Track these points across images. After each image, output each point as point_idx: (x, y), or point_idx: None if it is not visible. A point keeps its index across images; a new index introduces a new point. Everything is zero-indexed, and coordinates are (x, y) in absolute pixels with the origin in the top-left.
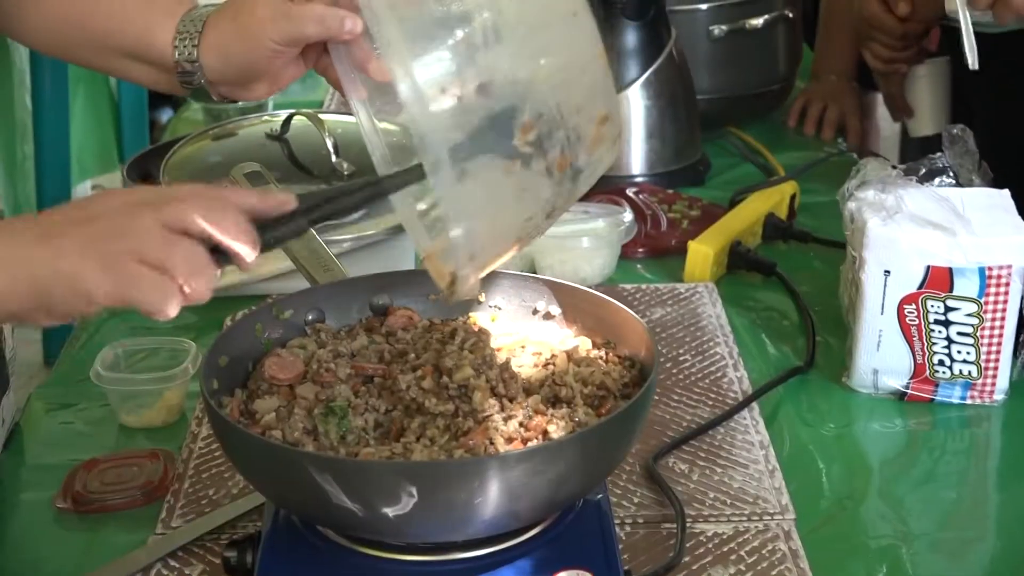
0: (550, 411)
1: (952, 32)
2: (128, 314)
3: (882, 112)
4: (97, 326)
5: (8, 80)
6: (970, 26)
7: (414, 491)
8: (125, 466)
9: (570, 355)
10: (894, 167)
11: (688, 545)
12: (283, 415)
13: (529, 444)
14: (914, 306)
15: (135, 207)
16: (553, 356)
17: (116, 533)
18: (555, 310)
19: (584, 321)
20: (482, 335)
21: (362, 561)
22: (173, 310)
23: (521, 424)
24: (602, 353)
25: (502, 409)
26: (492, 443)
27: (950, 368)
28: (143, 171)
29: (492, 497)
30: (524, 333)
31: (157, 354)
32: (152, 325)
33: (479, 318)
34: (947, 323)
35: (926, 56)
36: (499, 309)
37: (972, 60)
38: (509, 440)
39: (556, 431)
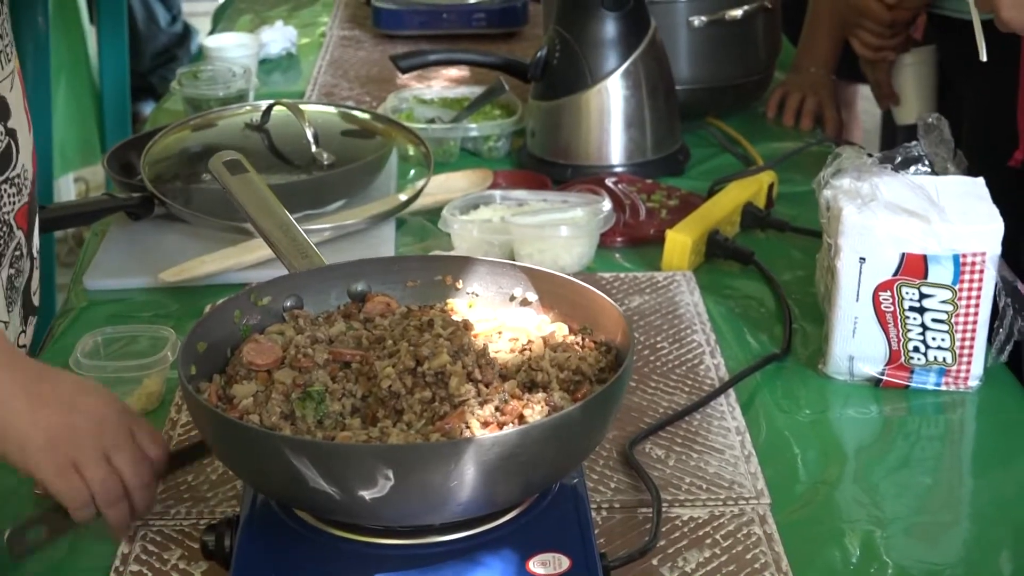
0: (526, 396)
1: (939, 20)
2: (107, 302)
3: (864, 105)
4: (76, 315)
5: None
6: (979, 18)
7: (390, 474)
8: None
9: (546, 341)
10: (869, 155)
11: (664, 529)
12: (261, 400)
13: (505, 428)
14: (889, 293)
15: (107, 432)
16: (530, 342)
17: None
18: (532, 296)
19: (560, 307)
20: (463, 325)
21: (339, 544)
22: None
23: (497, 408)
24: (578, 339)
25: (478, 394)
26: (468, 427)
27: (925, 355)
28: (123, 161)
29: (468, 480)
30: (501, 319)
31: (137, 342)
32: (131, 314)
33: (456, 304)
34: (922, 310)
35: (913, 45)
36: (476, 296)
37: (982, 51)
38: (485, 424)
39: (532, 415)
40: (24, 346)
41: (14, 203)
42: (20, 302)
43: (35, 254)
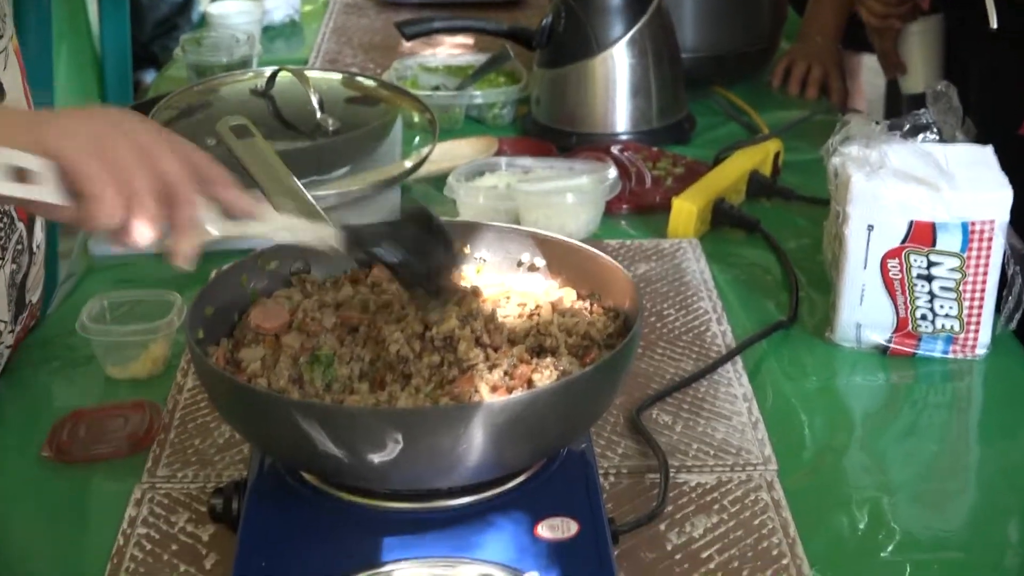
0: (535, 361)
1: None
2: (112, 267)
3: (867, 76)
4: (82, 279)
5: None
6: None
7: (399, 437)
8: (111, 417)
9: (555, 306)
10: (877, 123)
11: (671, 495)
12: (268, 364)
13: (514, 392)
14: (897, 261)
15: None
16: (538, 307)
17: (102, 482)
18: (540, 262)
19: (568, 273)
20: (472, 291)
21: (347, 508)
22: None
23: (506, 373)
24: (587, 304)
25: (487, 359)
26: (477, 391)
27: (933, 322)
28: None
29: (477, 444)
30: (509, 284)
31: (142, 306)
32: (137, 278)
33: (465, 270)
34: (930, 278)
35: (920, 14)
36: (484, 261)
37: (992, 19)
38: (494, 388)
39: (541, 380)
40: (10, 347)
41: None
42: (16, 298)
43: (35, 248)
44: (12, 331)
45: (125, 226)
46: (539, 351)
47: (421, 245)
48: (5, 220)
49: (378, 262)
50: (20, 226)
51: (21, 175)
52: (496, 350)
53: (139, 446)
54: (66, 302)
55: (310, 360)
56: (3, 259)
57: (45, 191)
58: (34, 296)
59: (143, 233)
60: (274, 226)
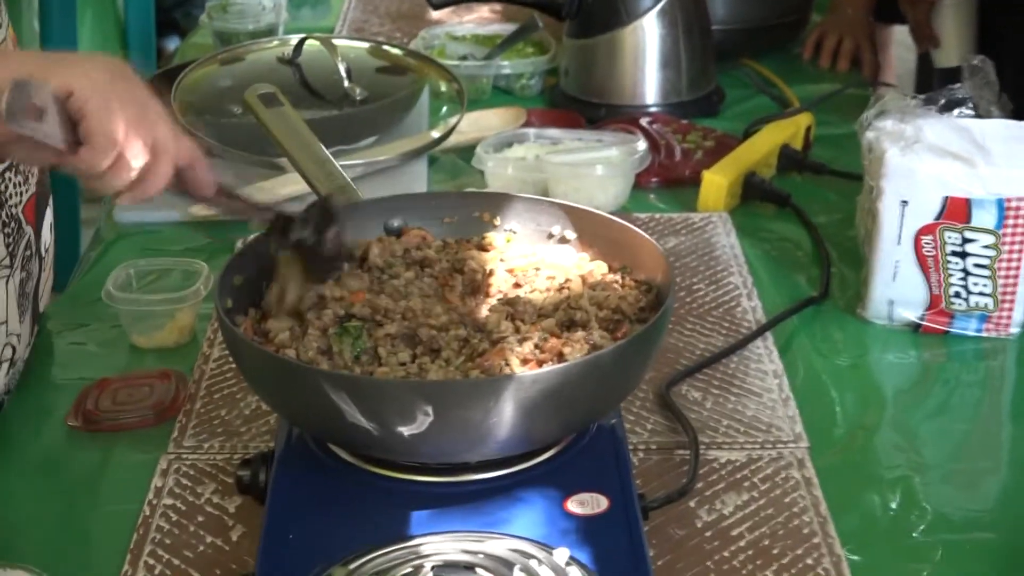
0: (565, 334)
1: None
2: (138, 234)
3: (897, 49)
4: (107, 248)
5: (16, 5)
6: None
7: (430, 410)
8: (137, 386)
9: (585, 279)
10: (913, 97)
11: (701, 472)
12: (297, 335)
13: (544, 366)
14: (931, 237)
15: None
16: (568, 280)
17: (127, 452)
18: (570, 234)
19: (599, 245)
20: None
21: (375, 480)
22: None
23: (536, 347)
24: (617, 277)
25: (517, 331)
26: (508, 364)
27: (966, 300)
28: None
29: (507, 417)
30: (540, 255)
31: (169, 275)
32: (163, 247)
33: (495, 239)
34: (964, 255)
35: None
36: (514, 232)
37: None
38: (524, 362)
39: (571, 353)
40: (27, 361)
41: (21, 194)
42: (30, 309)
43: (44, 252)
44: (30, 344)
45: (110, 170)
46: (569, 325)
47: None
48: (12, 225)
49: (299, 246)
50: (28, 230)
51: (30, 111)
52: (525, 323)
53: (165, 415)
54: (92, 270)
55: (339, 332)
56: (12, 267)
57: (49, 129)
58: (42, 303)
59: (122, 180)
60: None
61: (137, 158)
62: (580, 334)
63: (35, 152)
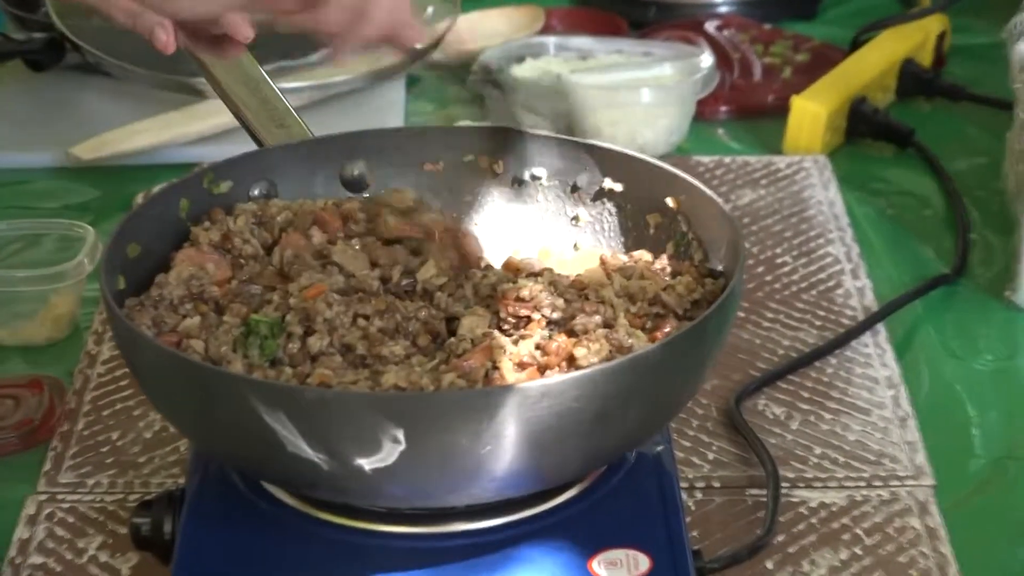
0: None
1: None
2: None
3: None
4: None
5: None
6: None
7: (400, 435)
8: None
9: (605, 263)
10: None
11: (783, 519)
12: (211, 323)
13: (548, 372)
14: None
15: None
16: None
17: None
18: (609, 183)
19: (643, 206)
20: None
21: (324, 531)
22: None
23: (538, 346)
24: (660, 260)
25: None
26: (496, 366)
27: None
28: None
29: (507, 444)
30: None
31: (40, 243)
32: (33, 204)
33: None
34: None
35: None
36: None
37: None
38: (521, 366)
39: (586, 356)
40: None
41: None
42: None
43: None
44: None
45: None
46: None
47: None
48: None
49: None
50: None
51: None
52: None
53: (34, 440)
54: None
55: (244, 331)
56: None
57: None
58: None
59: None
60: None
61: None
62: (601, 331)
63: None
